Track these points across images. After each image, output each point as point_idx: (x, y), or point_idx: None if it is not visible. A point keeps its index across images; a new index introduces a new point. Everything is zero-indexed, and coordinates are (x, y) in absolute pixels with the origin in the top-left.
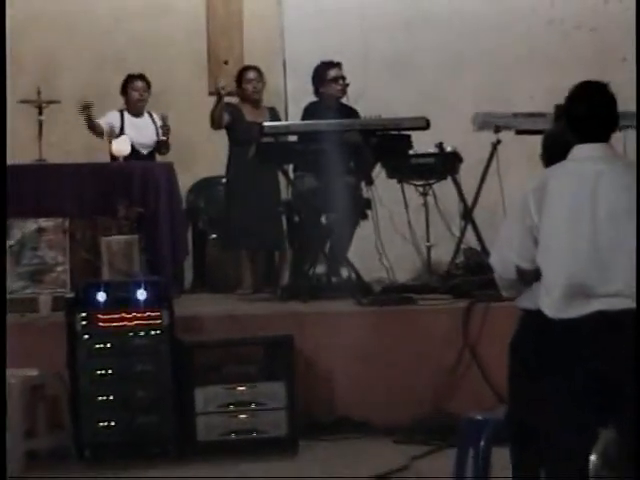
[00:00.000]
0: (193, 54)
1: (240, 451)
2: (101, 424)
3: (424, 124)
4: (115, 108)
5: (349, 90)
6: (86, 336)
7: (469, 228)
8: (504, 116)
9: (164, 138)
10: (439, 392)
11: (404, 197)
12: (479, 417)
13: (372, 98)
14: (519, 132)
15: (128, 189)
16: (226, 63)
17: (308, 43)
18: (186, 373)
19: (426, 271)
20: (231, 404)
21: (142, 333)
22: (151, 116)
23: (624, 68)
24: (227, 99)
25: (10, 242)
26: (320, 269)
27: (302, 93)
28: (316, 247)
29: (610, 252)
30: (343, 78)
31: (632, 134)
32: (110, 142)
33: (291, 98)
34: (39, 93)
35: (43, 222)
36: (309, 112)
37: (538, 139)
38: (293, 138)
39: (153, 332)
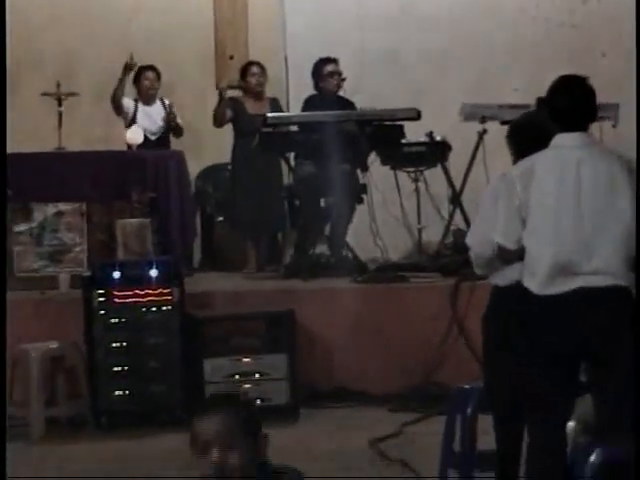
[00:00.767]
0: (201, 50)
1: None
2: (116, 393)
3: (415, 115)
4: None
5: (346, 84)
6: (102, 311)
7: (457, 211)
8: (490, 107)
9: (173, 124)
10: (429, 363)
11: (397, 183)
12: (466, 386)
13: (367, 91)
14: (504, 122)
15: (141, 176)
16: (232, 58)
17: (308, 40)
18: (195, 346)
19: (417, 251)
20: (237, 374)
21: (154, 309)
22: (163, 103)
23: (602, 62)
24: (232, 92)
25: (32, 225)
26: (320, 249)
27: (302, 86)
28: (316, 229)
29: (593, 233)
30: (339, 73)
31: (608, 125)
32: (125, 124)
33: (292, 91)
34: (59, 86)
35: (62, 206)
36: (309, 104)
37: None
38: (294, 128)
39: (164, 308)
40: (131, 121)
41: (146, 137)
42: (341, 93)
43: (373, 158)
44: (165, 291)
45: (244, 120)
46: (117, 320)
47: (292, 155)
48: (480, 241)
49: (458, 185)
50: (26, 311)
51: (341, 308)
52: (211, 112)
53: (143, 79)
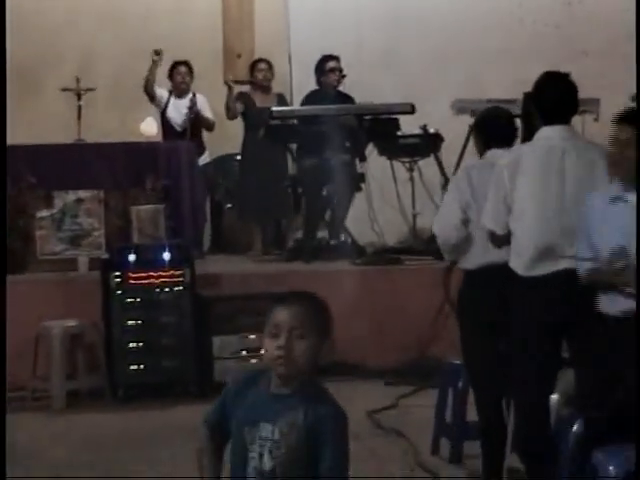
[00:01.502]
0: (211, 48)
1: None
2: (131, 367)
3: (410, 109)
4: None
5: (346, 79)
6: (119, 292)
7: None
8: (479, 102)
9: (193, 117)
10: (423, 340)
11: (393, 172)
12: (457, 362)
13: (365, 86)
14: None
15: (155, 165)
16: (239, 56)
17: (311, 39)
18: (205, 323)
19: (412, 236)
20: (244, 350)
21: (167, 289)
22: (193, 97)
23: (584, 60)
24: (240, 88)
25: (53, 211)
26: (321, 234)
27: (306, 82)
28: (317, 215)
29: (575, 218)
30: (340, 70)
31: (589, 118)
32: (159, 110)
33: (296, 86)
34: (78, 81)
35: (82, 193)
36: (310, 99)
37: None
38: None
39: (176, 288)
40: (163, 111)
41: (172, 127)
42: (341, 88)
43: (370, 149)
44: (177, 273)
45: (253, 113)
46: (132, 300)
47: (295, 146)
48: (444, 227)
49: (450, 174)
50: (48, 291)
51: (341, 289)
52: (220, 107)
53: (176, 73)
